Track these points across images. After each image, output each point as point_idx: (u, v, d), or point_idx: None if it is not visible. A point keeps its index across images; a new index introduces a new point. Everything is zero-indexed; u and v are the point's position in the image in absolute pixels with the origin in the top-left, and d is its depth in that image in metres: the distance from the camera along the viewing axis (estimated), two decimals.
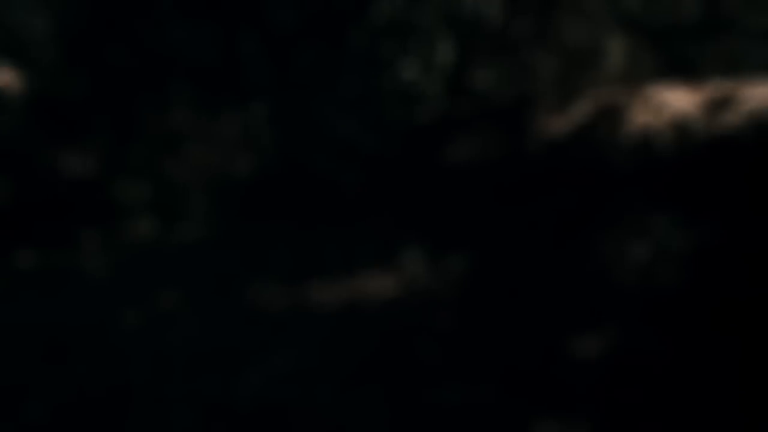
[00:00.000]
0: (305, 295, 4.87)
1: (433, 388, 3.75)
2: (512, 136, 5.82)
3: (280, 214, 7.03)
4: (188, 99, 11.32)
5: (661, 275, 4.18)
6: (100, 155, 13.74)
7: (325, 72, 6.60)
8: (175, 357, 4.18)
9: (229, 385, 3.82)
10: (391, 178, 5.94)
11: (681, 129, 5.40)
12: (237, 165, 10.76)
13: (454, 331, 3.82)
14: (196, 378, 3.90)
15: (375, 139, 6.00)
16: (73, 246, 10.96)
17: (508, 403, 3.59)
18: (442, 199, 5.22)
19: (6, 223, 10.99)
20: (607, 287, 4.04)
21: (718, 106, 5.32)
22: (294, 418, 3.83)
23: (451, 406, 3.66)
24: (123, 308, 5.68)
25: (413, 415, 3.77)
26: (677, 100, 5.67)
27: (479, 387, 3.66)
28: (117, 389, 3.84)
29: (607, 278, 4.11)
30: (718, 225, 4.44)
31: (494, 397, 3.63)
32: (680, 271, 4.19)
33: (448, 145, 6.00)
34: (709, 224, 4.50)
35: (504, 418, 3.56)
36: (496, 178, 5.46)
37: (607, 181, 4.91)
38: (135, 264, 8.77)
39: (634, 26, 6.62)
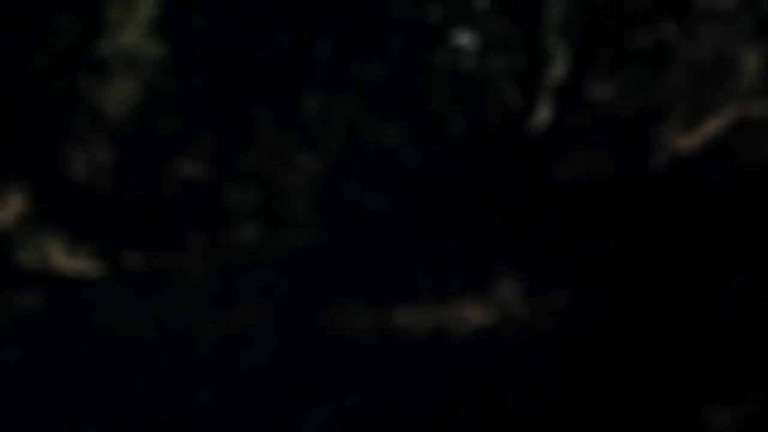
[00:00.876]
0: (391, 318, 4.43)
1: None
2: (632, 150, 5.17)
3: (379, 226, 6.63)
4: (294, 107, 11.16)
5: None
6: (211, 160, 13.77)
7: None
8: (242, 383, 3.83)
9: (295, 421, 3.42)
10: (493, 192, 5.43)
11: None
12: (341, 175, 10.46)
13: (547, 377, 3.24)
14: (259, 409, 3.52)
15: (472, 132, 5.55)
16: (179, 249, 11.00)
17: None
18: (547, 220, 4.65)
19: (116, 223, 11.17)
20: (749, 345, 3.28)
21: None
22: None
23: None
24: (205, 320, 5.43)
25: None
26: None
27: None
28: (178, 416, 3.53)
29: (750, 334, 3.34)
30: None
31: None
32: None
33: (557, 159, 5.43)
34: None
35: None
36: (611, 197, 4.84)
37: (745, 203, 4.18)
38: (231, 270, 8.64)
39: None
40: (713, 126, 5.05)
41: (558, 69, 8.11)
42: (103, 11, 11.29)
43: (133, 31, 11.05)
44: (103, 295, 7.41)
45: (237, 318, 5.44)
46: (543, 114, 6.52)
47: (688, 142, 4.99)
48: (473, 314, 4.07)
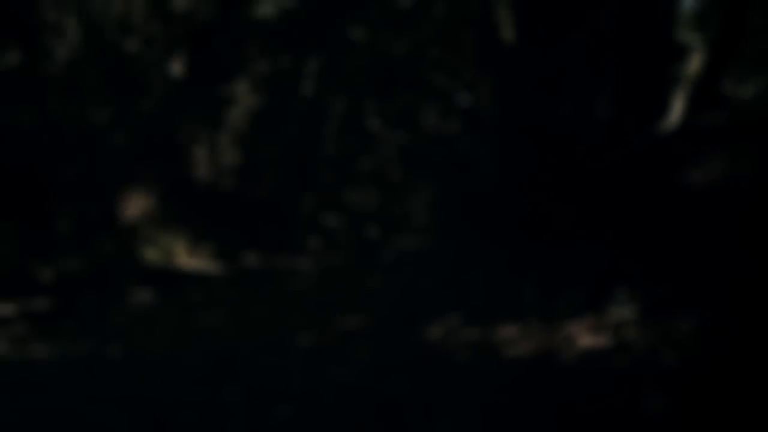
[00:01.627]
0: (494, 336, 4.04)
1: None
2: None
3: (490, 235, 6.23)
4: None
5: None
6: (331, 163, 13.68)
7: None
8: (326, 399, 3.56)
9: None
10: (613, 200, 4.91)
11: None
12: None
13: (664, 415, 2.76)
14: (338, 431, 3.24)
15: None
16: (295, 250, 10.97)
17: None
18: (674, 232, 4.10)
19: (236, 224, 11.31)
20: None
21: None
22: None
23: None
24: (304, 326, 5.25)
25: None
26: None
27: None
28: None
29: None
30: None
31: None
32: None
33: (689, 163, 4.83)
34: None
35: None
36: (750, 206, 4.22)
37: None
38: (342, 273, 8.49)
39: None
40: None
41: (693, 64, 7.41)
42: None
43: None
44: (214, 295, 7.45)
45: (336, 325, 5.21)
46: (676, 113, 5.92)
47: None
48: (583, 337, 3.61)
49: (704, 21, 7.94)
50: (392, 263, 8.65)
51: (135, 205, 11.14)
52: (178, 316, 6.33)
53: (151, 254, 9.81)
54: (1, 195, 9.04)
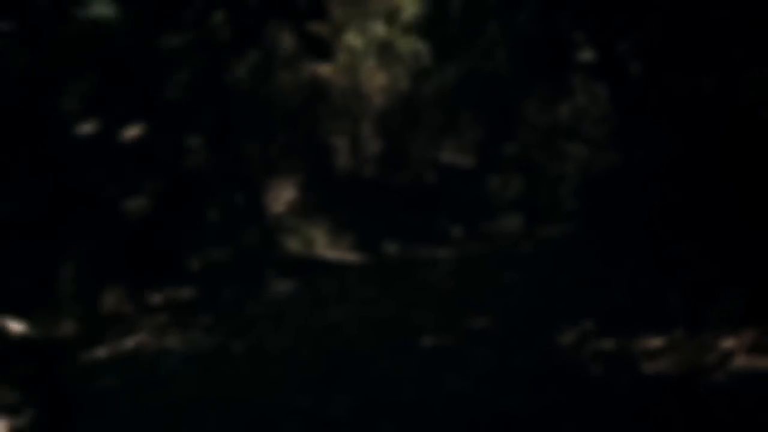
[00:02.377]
0: (633, 348, 3.50)
1: None
2: None
3: (637, 223, 5.60)
4: None
5: None
6: (476, 150, 13.20)
7: None
8: (437, 411, 3.21)
9: None
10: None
11: None
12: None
13: None
14: None
15: None
16: (436, 239, 10.66)
17: None
18: None
19: (377, 213, 11.14)
20: None
21: None
22: None
23: None
24: (430, 325, 4.92)
25: None
26: None
27: None
28: None
29: None
30: None
31: None
32: None
33: None
34: None
35: None
36: None
37: None
38: (476, 264, 8.06)
39: None
40: None
41: None
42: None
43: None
44: (348, 286, 7.30)
45: (462, 325, 4.84)
46: None
47: None
48: (740, 356, 3.01)
49: None
50: (532, 254, 8.10)
51: (279, 196, 11.29)
52: (307, 309, 6.21)
53: (292, 244, 9.87)
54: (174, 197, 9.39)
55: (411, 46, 10.90)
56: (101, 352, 5.66)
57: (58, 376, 4.35)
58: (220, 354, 4.88)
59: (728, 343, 3.11)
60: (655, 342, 3.41)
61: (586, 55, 7.69)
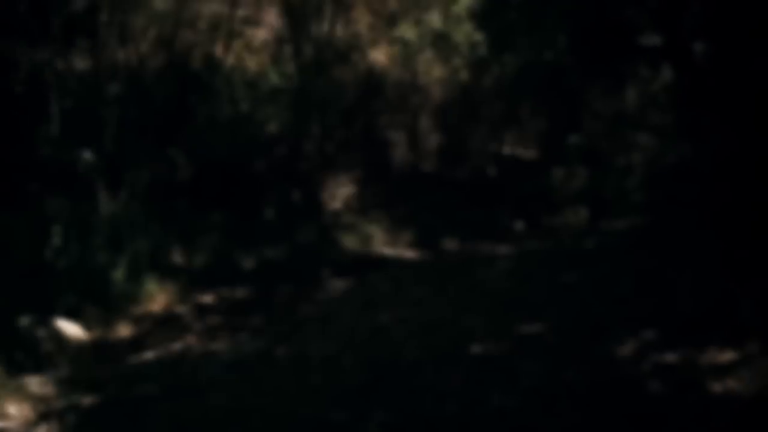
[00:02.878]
0: (699, 362, 3.14)
1: None
2: None
3: (706, 220, 5.17)
4: None
5: None
6: (539, 142, 12.75)
7: None
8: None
9: None
10: None
11: None
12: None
13: None
14: None
15: None
16: (495, 235, 10.31)
17: None
18: None
19: (435, 209, 10.85)
20: None
21: None
22: None
23: None
24: (479, 330, 4.64)
25: None
26: None
27: None
28: None
29: None
30: None
31: None
32: None
33: None
34: None
35: None
36: None
37: None
38: (535, 260, 7.69)
39: None
40: None
41: None
42: None
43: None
44: (402, 286, 7.05)
45: (514, 331, 4.53)
46: None
47: None
48: None
49: None
50: (595, 252, 7.67)
51: (336, 193, 11.11)
52: (358, 311, 6.00)
53: (350, 242, 9.67)
54: (210, 186, 9.35)
55: (468, 36, 10.52)
56: (149, 354, 5.59)
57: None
58: (264, 360, 4.71)
59: None
60: (725, 356, 3.04)
61: (652, 39, 7.22)
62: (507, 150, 13.08)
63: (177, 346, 5.77)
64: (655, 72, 9.52)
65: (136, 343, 5.96)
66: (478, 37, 10.25)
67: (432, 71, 11.62)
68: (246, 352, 5.01)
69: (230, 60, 10.03)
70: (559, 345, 4.00)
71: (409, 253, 10.02)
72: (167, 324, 6.47)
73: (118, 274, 6.69)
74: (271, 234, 9.53)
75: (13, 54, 8.37)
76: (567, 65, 9.62)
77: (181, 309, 6.96)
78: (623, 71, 9.82)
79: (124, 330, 6.27)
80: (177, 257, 8.52)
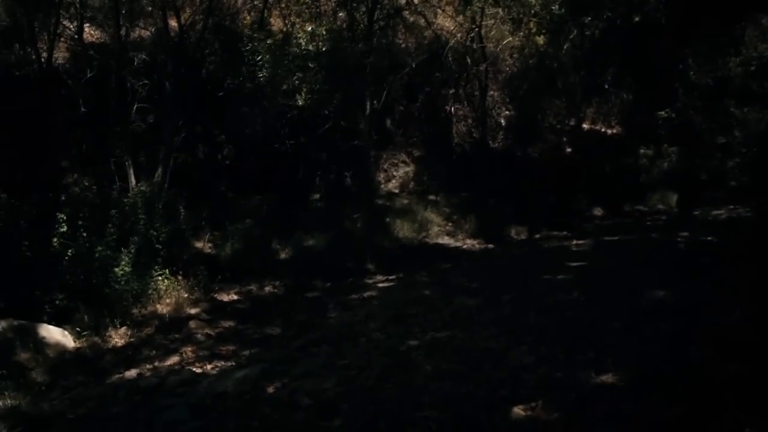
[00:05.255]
0: None
1: None
2: None
3: None
4: None
5: None
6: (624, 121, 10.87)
7: None
8: None
9: None
10: None
11: None
12: None
13: None
14: None
15: None
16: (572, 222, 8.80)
17: None
18: None
19: (505, 194, 9.41)
20: None
21: None
22: None
23: None
24: (507, 383, 3.32)
25: None
26: None
27: None
28: None
29: None
30: None
31: None
32: None
33: None
34: None
35: None
36: None
37: None
38: (617, 260, 6.21)
39: None
40: None
41: None
42: None
43: None
44: (450, 289, 5.73)
45: (577, 380, 3.17)
46: None
47: None
48: None
49: None
50: (689, 250, 6.11)
51: (393, 173, 9.82)
52: (384, 327, 4.74)
53: (404, 229, 8.37)
54: (253, 168, 8.27)
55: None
56: (131, 373, 4.51)
57: None
58: (244, 401, 3.53)
59: None
60: None
61: None
62: (586, 126, 11.31)
63: (167, 363, 4.66)
64: None
65: (124, 356, 4.91)
66: None
67: (502, 37, 10.09)
68: (239, 379, 3.83)
69: (279, 25, 8.85)
70: (638, 415, 2.63)
71: (469, 245, 8.63)
72: (171, 330, 5.40)
73: (121, 269, 5.66)
74: (317, 220, 8.32)
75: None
76: (659, 26, 7.89)
77: (194, 310, 5.88)
78: (728, 32, 8.05)
79: (118, 337, 5.22)
80: (206, 246, 7.49)
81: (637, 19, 7.73)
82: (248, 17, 9.01)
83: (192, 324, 5.47)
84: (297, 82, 6.76)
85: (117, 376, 4.52)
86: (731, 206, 8.71)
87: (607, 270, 5.54)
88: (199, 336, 5.20)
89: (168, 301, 5.77)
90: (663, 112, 8.95)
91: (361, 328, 4.77)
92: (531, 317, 4.45)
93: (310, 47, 6.84)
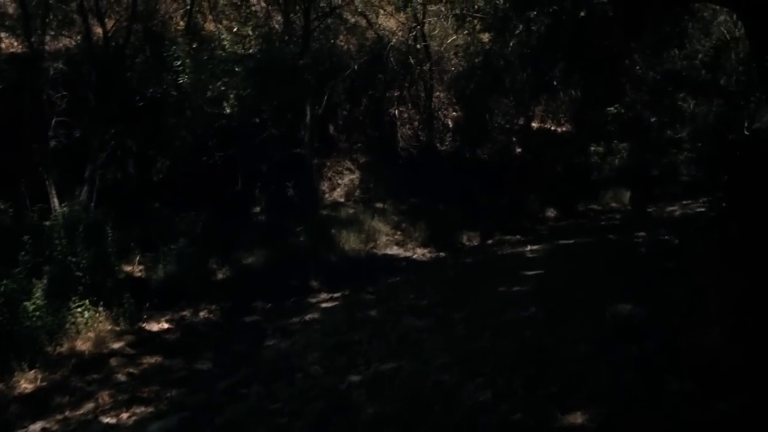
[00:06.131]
0: None
1: None
2: None
3: None
4: None
5: None
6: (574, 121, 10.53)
7: None
8: None
9: None
10: None
11: None
12: None
13: None
14: None
15: None
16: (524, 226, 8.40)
17: None
18: None
19: (455, 200, 8.94)
20: None
21: None
22: None
23: None
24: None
25: None
26: None
27: None
28: None
29: None
30: None
31: None
32: None
33: None
34: None
35: None
36: None
37: None
38: (576, 266, 5.79)
39: None
40: None
41: None
42: None
43: None
44: (398, 309, 5.23)
45: (545, 425, 2.69)
46: None
47: None
48: None
49: None
50: (649, 252, 5.73)
51: (336, 181, 9.28)
52: (326, 359, 4.21)
53: (351, 241, 7.84)
54: (190, 183, 7.63)
55: None
56: (35, 428, 3.91)
57: None
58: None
59: None
60: None
61: None
62: (536, 125, 10.91)
63: (79, 412, 4.04)
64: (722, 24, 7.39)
65: (33, 404, 4.28)
66: None
67: (446, 35, 9.64)
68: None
69: (212, 29, 8.22)
70: None
71: (419, 254, 8.13)
72: (89, 370, 4.75)
73: (32, 303, 5.01)
74: (257, 235, 7.73)
75: None
76: (605, 20, 7.53)
77: (117, 345, 5.25)
78: (676, 22, 7.74)
79: (27, 382, 4.56)
80: (136, 269, 6.85)
81: (582, 13, 7.33)
82: (181, 22, 8.38)
83: (113, 361, 4.84)
84: (222, 87, 6.15)
85: (20, 431, 3.88)
86: (684, 202, 8.41)
87: (566, 279, 5.12)
88: (119, 376, 4.58)
89: (88, 335, 5.13)
90: (612, 108, 8.61)
91: (298, 360, 4.23)
92: (486, 340, 3.99)
93: (236, 49, 6.24)
